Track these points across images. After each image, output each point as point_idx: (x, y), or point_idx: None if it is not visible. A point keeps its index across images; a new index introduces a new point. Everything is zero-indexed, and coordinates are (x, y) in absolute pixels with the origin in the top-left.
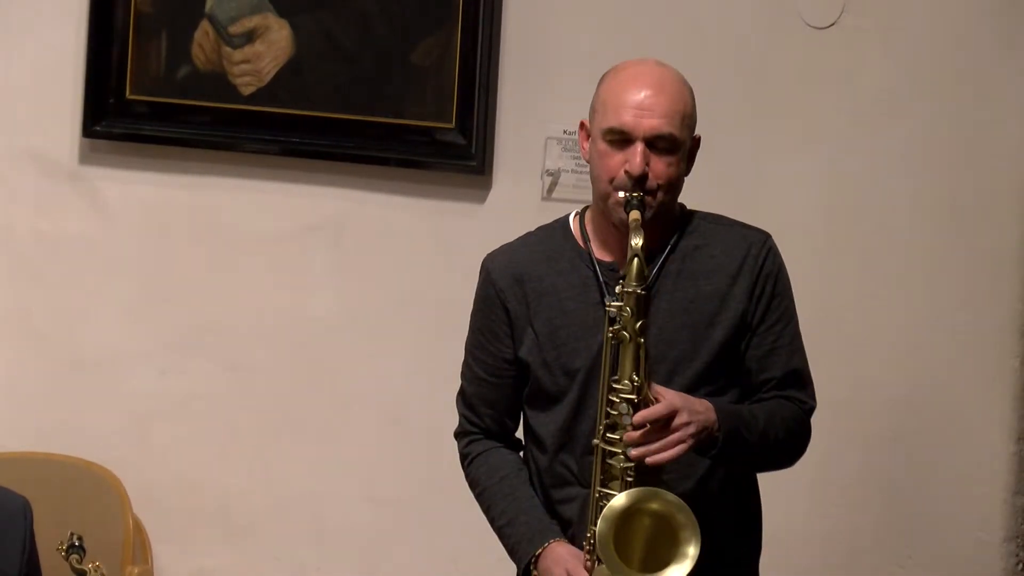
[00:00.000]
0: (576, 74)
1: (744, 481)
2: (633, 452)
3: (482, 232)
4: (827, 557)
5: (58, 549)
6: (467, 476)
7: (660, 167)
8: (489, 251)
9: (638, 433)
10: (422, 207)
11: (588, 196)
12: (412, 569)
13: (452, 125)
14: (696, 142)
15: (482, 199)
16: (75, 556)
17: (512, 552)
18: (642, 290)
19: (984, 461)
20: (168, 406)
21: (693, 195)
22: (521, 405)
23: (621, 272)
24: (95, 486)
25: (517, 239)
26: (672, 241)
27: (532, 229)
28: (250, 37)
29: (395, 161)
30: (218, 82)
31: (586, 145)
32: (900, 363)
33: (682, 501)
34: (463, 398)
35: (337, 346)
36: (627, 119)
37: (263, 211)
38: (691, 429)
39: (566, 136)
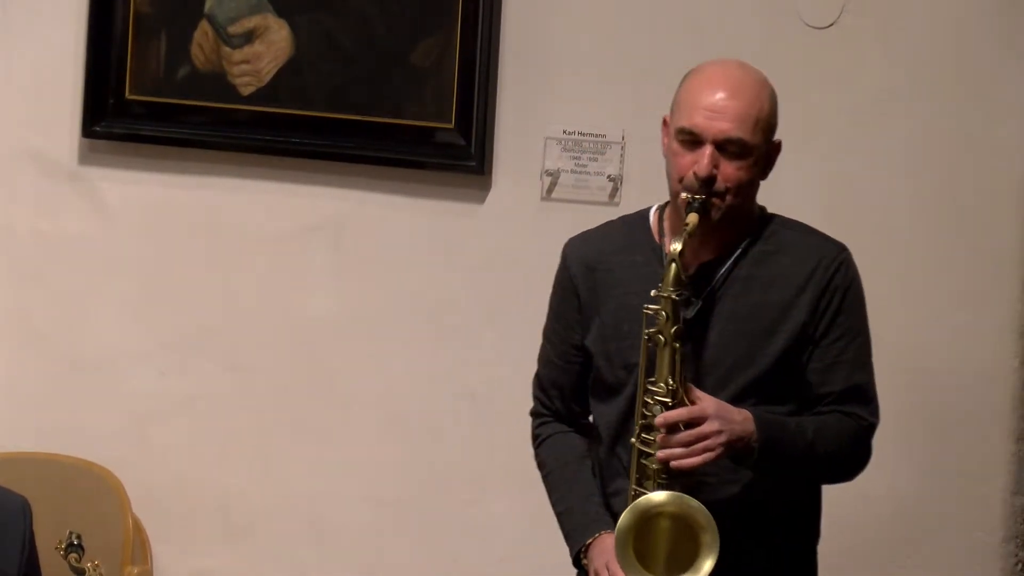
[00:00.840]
0: (575, 74)
1: (799, 492)
2: (659, 454)
3: (481, 232)
4: (826, 557)
5: (57, 548)
6: (536, 457)
7: (729, 170)
8: (488, 250)
9: (673, 437)
10: (421, 207)
11: (586, 196)
12: (412, 569)
13: (451, 125)
14: (776, 147)
15: (481, 199)
16: (74, 555)
17: (566, 538)
18: (677, 295)
19: (984, 461)
20: (168, 406)
21: None
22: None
23: (691, 270)
24: (95, 486)
25: (598, 226)
26: (744, 245)
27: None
28: (249, 37)
29: (394, 161)
30: (217, 82)
31: (666, 141)
32: (900, 363)
33: (705, 509)
34: (537, 380)
35: (337, 346)
36: (698, 121)
37: (263, 211)
38: (722, 438)
39: (565, 136)
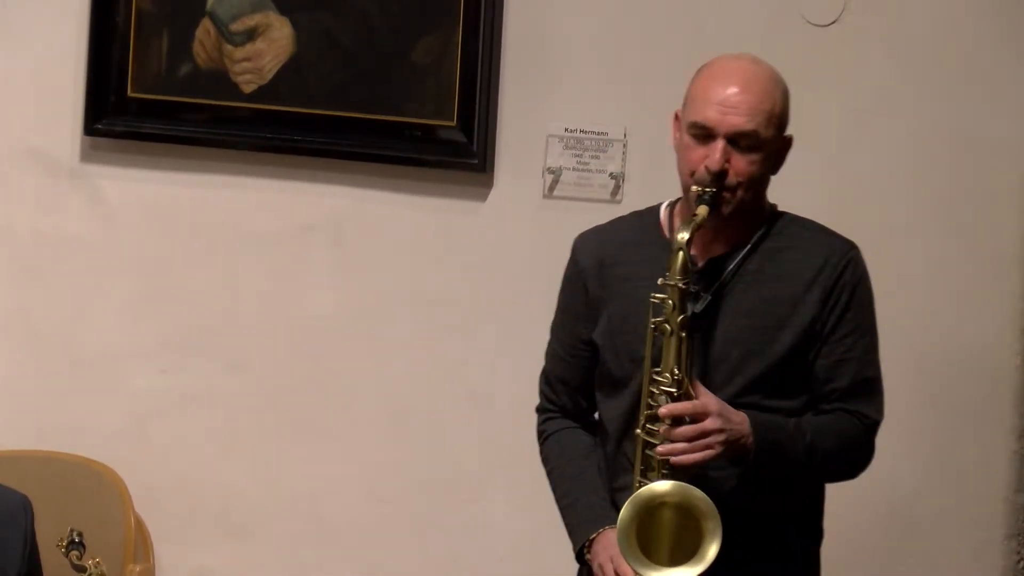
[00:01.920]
0: (577, 72)
1: (801, 484)
2: (659, 449)
3: (483, 230)
4: (828, 555)
5: (58, 545)
6: (541, 452)
7: (741, 164)
8: (490, 248)
9: (676, 430)
10: (423, 205)
11: (589, 193)
12: (413, 567)
13: (453, 123)
14: (787, 142)
15: (483, 197)
16: (75, 552)
17: (570, 533)
18: (684, 284)
19: (985, 459)
20: (169, 404)
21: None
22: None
23: (699, 265)
24: (96, 484)
25: (609, 221)
26: (754, 240)
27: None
28: (251, 35)
29: (396, 159)
30: (219, 80)
31: (677, 136)
32: (901, 361)
33: (707, 498)
34: (544, 375)
35: (338, 344)
36: (710, 115)
37: (264, 209)
38: (721, 437)
39: (567, 134)
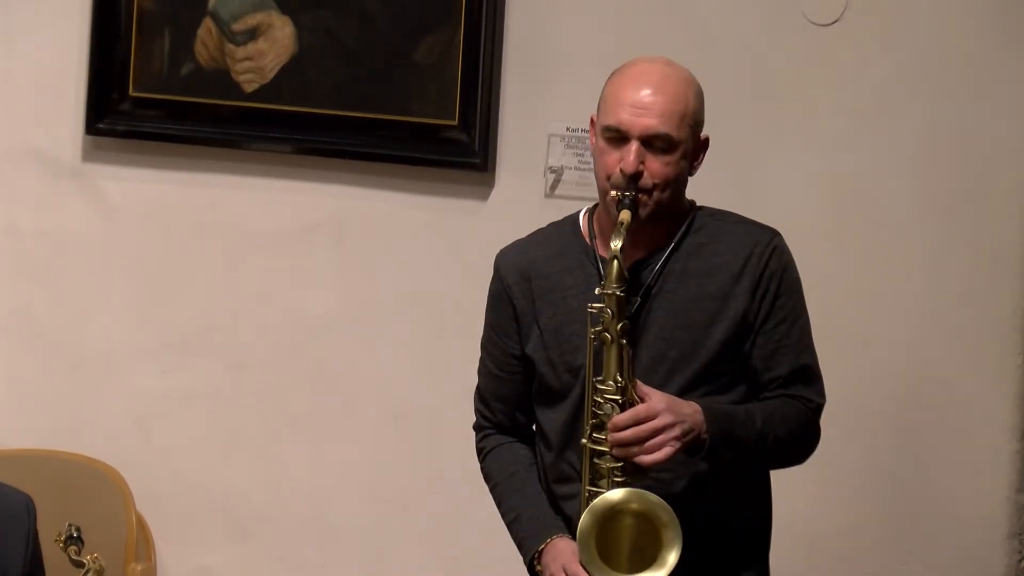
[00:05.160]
0: (579, 71)
1: (750, 479)
2: (616, 452)
3: (485, 229)
4: (829, 554)
5: (56, 540)
6: (481, 470)
7: (656, 166)
8: (492, 247)
9: (621, 435)
10: (425, 204)
11: (591, 193)
12: (414, 566)
13: (455, 122)
14: (703, 143)
15: (485, 196)
16: (73, 547)
17: (519, 547)
18: (621, 292)
19: (986, 458)
20: (171, 404)
21: (694, 191)
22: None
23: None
24: (98, 483)
25: (529, 235)
26: (676, 239)
27: (543, 225)
28: (253, 34)
29: (398, 158)
30: (221, 79)
31: (593, 140)
32: (902, 360)
33: (666, 504)
34: (478, 393)
35: (339, 344)
36: (624, 117)
37: (266, 208)
38: (675, 431)
39: (569, 133)
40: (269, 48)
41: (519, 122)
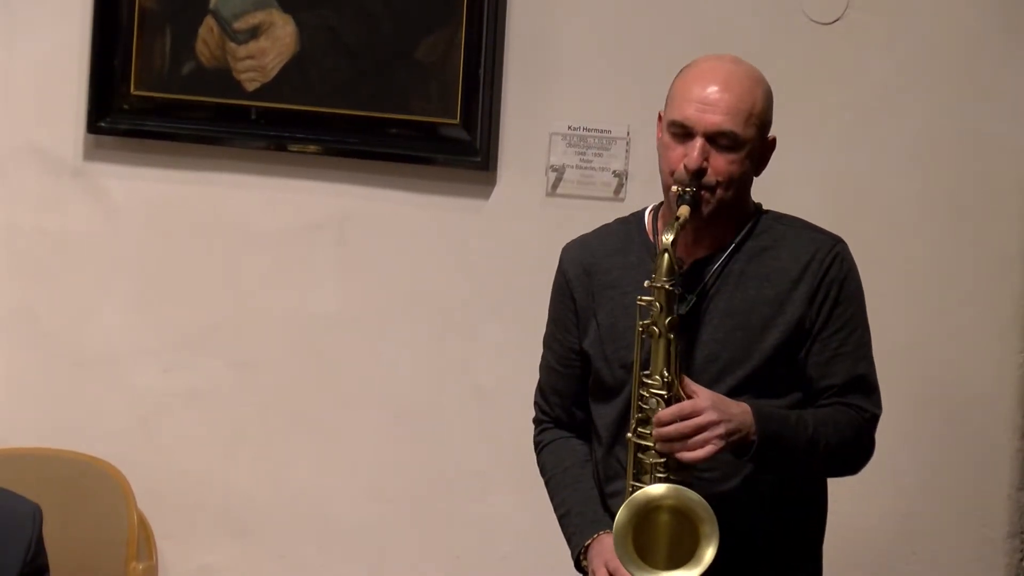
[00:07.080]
0: (580, 70)
1: (804, 485)
2: (659, 447)
3: (486, 228)
4: (831, 553)
5: None
6: (538, 463)
7: (720, 163)
8: (493, 246)
9: (664, 430)
10: (426, 203)
11: (592, 192)
12: (416, 566)
13: (456, 121)
14: (770, 143)
15: (486, 195)
16: None
17: (568, 541)
18: (670, 285)
19: (988, 457)
20: (173, 402)
21: None
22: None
23: (685, 267)
24: (100, 482)
25: (594, 230)
26: (738, 240)
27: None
28: (254, 33)
29: (399, 157)
30: (222, 78)
31: (659, 136)
32: (904, 360)
33: (704, 501)
34: (539, 387)
35: (341, 343)
36: (690, 113)
37: (267, 207)
38: (720, 430)
39: (570, 132)
40: (271, 47)
41: (520, 121)
